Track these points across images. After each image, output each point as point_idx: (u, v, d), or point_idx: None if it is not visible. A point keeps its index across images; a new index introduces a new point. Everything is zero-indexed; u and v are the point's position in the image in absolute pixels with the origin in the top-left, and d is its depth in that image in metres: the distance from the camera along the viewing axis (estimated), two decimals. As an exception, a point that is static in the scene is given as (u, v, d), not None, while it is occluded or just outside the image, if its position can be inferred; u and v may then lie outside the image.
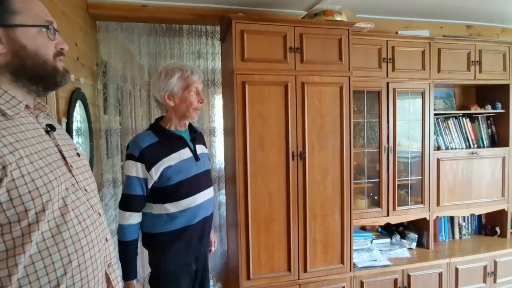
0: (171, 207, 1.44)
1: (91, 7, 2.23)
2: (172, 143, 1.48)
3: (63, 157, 0.87)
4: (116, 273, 1.00)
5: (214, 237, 1.80)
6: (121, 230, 1.44)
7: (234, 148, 2.02)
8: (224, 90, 2.46)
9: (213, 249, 1.79)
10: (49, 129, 0.88)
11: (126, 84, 2.57)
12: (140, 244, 1.53)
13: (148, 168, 1.41)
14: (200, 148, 1.58)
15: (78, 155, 0.95)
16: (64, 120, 1.74)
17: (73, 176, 0.87)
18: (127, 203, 1.44)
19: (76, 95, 1.87)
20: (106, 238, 0.96)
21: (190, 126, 1.61)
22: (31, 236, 0.73)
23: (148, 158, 1.41)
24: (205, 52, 2.64)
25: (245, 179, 2.02)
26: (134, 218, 1.45)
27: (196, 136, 1.60)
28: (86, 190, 0.91)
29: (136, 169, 1.41)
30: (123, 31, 2.49)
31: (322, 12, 2.22)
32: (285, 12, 2.53)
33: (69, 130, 1.77)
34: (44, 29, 0.81)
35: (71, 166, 0.88)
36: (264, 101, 2.03)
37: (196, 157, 1.52)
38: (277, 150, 2.07)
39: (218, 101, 2.70)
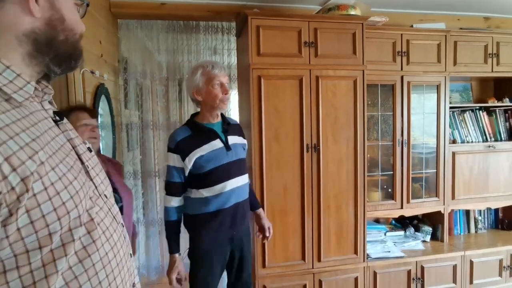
0: (206, 192, 1.61)
1: (113, 6, 2.33)
2: (204, 135, 1.63)
3: (78, 156, 0.68)
4: None
5: (268, 223, 1.86)
6: (165, 211, 1.66)
7: (250, 140, 2.08)
8: (240, 84, 2.53)
9: (267, 234, 1.85)
10: (57, 118, 0.67)
11: (146, 79, 2.67)
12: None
13: (183, 158, 1.59)
14: (233, 139, 1.69)
15: (90, 150, 0.75)
16: (90, 114, 1.84)
17: (91, 179, 0.69)
18: (168, 188, 1.66)
19: (100, 90, 1.97)
20: (130, 254, 0.79)
21: (224, 119, 1.72)
22: (56, 266, 0.56)
23: (183, 150, 1.60)
24: (221, 47, 2.71)
25: (261, 170, 2.08)
26: (175, 201, 1.64)
27: (229, 128, 1.71)
28: (106, 196, 0.73)
29: (173, 159, 1.61)
30: (142, 29, 2.59)
31: (336, 6, 2.24)
32: (299, 7, 2.57)
33: (94, 123, 1.88)
34: (80, 5, 0.69)
35: (88, 167, 0.69)
36: (279, 95, 2.09)
37: (227, 147, 1.65)
38: (292, 142, 2.12)
39: (233, 95, 2.76)
